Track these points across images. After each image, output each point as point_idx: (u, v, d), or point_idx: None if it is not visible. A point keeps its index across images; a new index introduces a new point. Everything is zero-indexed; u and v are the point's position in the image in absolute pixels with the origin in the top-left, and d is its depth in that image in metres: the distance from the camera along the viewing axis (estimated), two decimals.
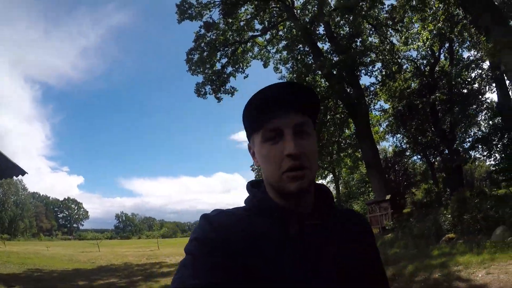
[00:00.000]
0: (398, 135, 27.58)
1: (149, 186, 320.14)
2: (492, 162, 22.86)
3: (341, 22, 21.52)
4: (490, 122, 23.32)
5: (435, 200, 21.40)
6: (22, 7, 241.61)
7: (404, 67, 25.53)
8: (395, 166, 28.86)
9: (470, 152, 23.47)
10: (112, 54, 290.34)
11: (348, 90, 21.76)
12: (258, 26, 25.73)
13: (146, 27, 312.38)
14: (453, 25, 20.88)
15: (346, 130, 25.99)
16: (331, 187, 37.74)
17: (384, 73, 24.19)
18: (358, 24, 18.68)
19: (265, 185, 1.14)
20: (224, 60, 25.54)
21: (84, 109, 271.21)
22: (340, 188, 43.04)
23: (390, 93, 24.97)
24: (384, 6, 20.50)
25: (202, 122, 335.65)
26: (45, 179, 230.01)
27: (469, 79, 23.63)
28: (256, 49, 27.21)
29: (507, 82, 14.20)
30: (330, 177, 41.27)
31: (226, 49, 25.23)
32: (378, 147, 28.44)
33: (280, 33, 26.02)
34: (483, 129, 23.83)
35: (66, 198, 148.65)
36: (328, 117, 24.09)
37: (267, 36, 26.50)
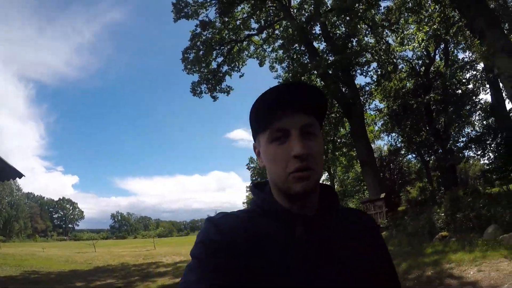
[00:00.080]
0: (393, 134, 27.73)
1: (145, 185, 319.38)
2: (486, 161, 23.09)
3: (337, 22, 21.60)
4: (484, 122, 23.55)
5: (430, 199, 21.53)
6: (15, 5, 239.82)
7: (400, 67, 25.62)
8: (390, 165, 29.04)
9: (464, 152, 23.72)
10: (107, 52, 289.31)
11: (344, 89, 21.84)
12: (254, 25, 25.77)
13: (141, 25, 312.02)
14: (448, 27, 21.04)
15: (341, 129, 26.08)
16: None
17: (379, 73, 24.33)
18: (354, 25, 18.77)
19: (270, 187, 1.15)
20: (220, 59, 25.57)
21: (78, 107, 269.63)
22: (335, 186, 43.21)
23: (385, 93, 25.12)
24: (380, 8, 20.60)
25: (197, 120, 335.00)
26: (40, 179, 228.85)
27: (463, 80, 23.82)
28: (252, 48, 27.30)
29: (501, 84, 14.34)
30: (325, 175, 41.46)
31: (222, 48, 25.24)
32: (373, 145, 28.59)
33: (276, 32, 26.01)
34: (478, 128, 24.05)
35: (61, 198, 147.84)
36: None
37: (263, 35, 26.55)
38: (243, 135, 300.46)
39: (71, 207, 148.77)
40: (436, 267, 9.18)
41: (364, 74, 23.20)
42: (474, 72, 23.31)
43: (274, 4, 23.97)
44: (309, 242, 1.01)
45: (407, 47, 24.01)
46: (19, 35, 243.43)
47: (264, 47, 27.16)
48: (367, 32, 22.83)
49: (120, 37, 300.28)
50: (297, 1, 24.44)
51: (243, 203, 73.22)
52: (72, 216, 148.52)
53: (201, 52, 24.10)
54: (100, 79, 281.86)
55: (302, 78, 21.12)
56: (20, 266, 17.74)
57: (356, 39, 22.70)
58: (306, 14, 23.64)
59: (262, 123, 1.07)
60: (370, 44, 23.54)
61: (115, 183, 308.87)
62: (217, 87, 25.64)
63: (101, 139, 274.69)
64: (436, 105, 23.64)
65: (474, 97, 23.24)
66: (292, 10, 23.79)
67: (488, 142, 21.34)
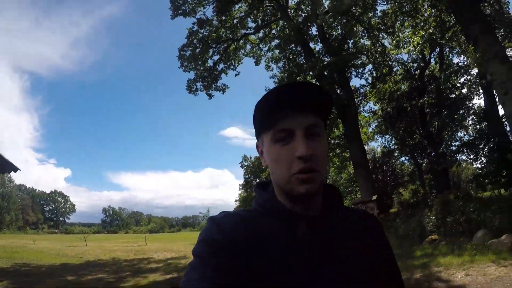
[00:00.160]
0: (387, 136, 27.75)
1: (137, 180, 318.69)
2: (479, 166, 23.26)
3: (334, 23, 21.68)
4: (478, 126, 23.69)
5: (422, 201, 21.66)
6: None
7: (395, 69, 25.71)
8: (383, 167, 29.13)
9: (456, 156, 23.84)
10: (104, 46, 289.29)
11: (338, 91, 21.92)
12: (251, 24, 25.84)
13: (139, 21, 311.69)
14: (444, 31, 21.13)
15: (335, 130, 26.17)
16: None
17: (374, 75, 24.41)
18: (350, 27, 18.84)
19: (273, 186, 1.14)
20: (216, 57, 25.57)
21: (73, 101, 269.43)
22: None
23: (380, 95, 25.20)
24: (377, 11, 20.67)
25: (192, 117, 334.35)
26: (32, 171, 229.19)
27: (458, 85, 23.97)
28: (248, 46, 27.29)
29: (494, 90, 14.49)
30: None
31: (218, 46, 25.26)
32: (366, 147, 28.70)
33: (273, 31, 26.04)
34: (471, 132, 24.20)
35: (53, 191, 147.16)
36: None
37: (260, 34, 26.58)
38: (237, 133, 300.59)
39: (62, 200, 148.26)
40: (424, 270, 9.28)
41: (359, 76, 23.28)
42: (468, 77, 23.46)
43: (272, 4, 24.01)
44: (311, 242, 1.01)
45: (402, 50, 24.11)
46: (15, 26, 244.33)
47: (261, 46, 27.17)
48: (363, 34, 22.89)
49: (117, 31, 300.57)
50: (294, 1, 24.52)
51: (236, 200, 73.18)
52: (63, 209, 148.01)
53: (197, 50, 24.13)
54: (96, 73, 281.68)
55: (298, 78, 21.13)
56: (11, 258, 17.68)
57: (352, 40, 22.77)
58: (303, 15, 23.69)
59: (266, 122, 1.07)
60: (366, 47, 23.61)
61: (108, 177, 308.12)
62: (213, 85, 25.64)
63: (95, 133, 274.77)
64: (430, 109, 23.73)
65: (467, 102, 23.38)
66: (289, 10, 23.82)
67: (481, 146, 21.49)
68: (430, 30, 20.92)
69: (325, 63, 19.56)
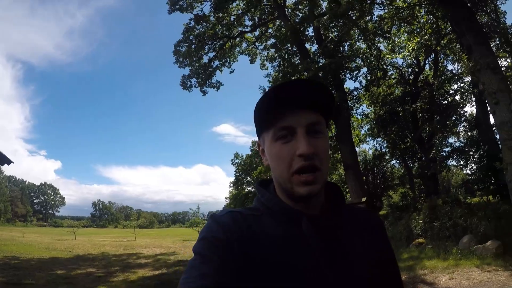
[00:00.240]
0: (379, 139, 27.85)
1: (128, 174, 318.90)
2: (468, 172, 23.49)
3: (331, 25, 21.77)
4: (469, 133, 23.91)
5: (411, 205, 21.85)
6: None
7: (389, 73, 25.83)
8: (374, 169, 29.29)
9: (446, 161, 24.08)
10: (98, 37, 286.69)
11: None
12: (248, 22, 25.82)
13: (135, 13, 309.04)
14: (439, 38, 21.33)
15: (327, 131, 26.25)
16: None
17: (369, 78, 24.51)
18: (347, 30, 18.94)
19: (274, 185, 1.14)
20: (211, 54, 25.50)
21: (65, 92, 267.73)
22: None
23: (373, 98, 25.33)
24: (373, 16, 20.80)
25: (184, 112, 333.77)
26: (22, 163, 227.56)
27: (451, 92, 24.20)
28: (244, 44, 27.24)
29: (486, 99, 14.69)
30: None
31: (214, 42, 25.19)
32: (358, 149, 28.82)
33: (270, 30, 26.04)
34: (462, 139, 24.41)
35: (43, 183, 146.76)
36: None
37: (256, 33, 26.53)
38: (229, 130, 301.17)
39: (52, 193, 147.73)
40: (410, 272, 9.45)
41: (353, 79, 23.39)
42: (462, 85, 23.67)
43: (269, 3, 23.96)
44: (314, 241, 1.00)
45: (397, 55, 24.29)
46: (9, 14, 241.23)
47: (257, 44, 27.12)
48: (360, 37, 23.00)
49: (112, 23, 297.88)
50: (292, 1, 24.53)
51: (226, 198, 73.03)
52: (53, 202, 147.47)
53: (193, 46, 24.06)
54: (90, 64, 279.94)
55: (292, 78, 21.11)
56: (0, 251, 17.67)
57: (348, 43, 22.86)
58: (300, 15, 23.75)
59: (267, 121, 1.06)
60: (362, 50, 23.70)
61: (98, 170, 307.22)
62: (207, 82, 25.56)
63: (87, 125, 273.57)
64: (422, 114, 23.90)
65: (459, 109, 23.60)
66: (286, 10, 23.85)
67: (471, 153, 21.71)
68: (426, 37, 21.11)
69: (320, 64, 19.61)
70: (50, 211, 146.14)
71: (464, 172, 26.23)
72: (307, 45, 23.53)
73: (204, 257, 0.92)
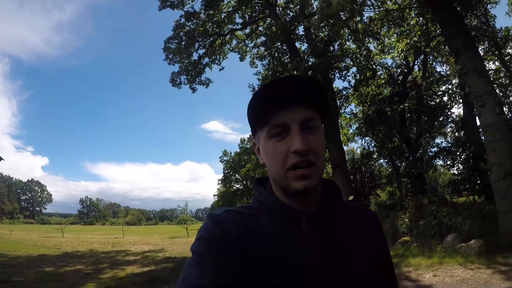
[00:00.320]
0: (367, 138, 27.97)
1: (116, 171, 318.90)
2: (455, 172, 23.75)
3: (321, 25, 21.85)
4: (457, 134, 24.15)
5: (398, 203, 22.02)
6: None
7: (379, 73, 26.01)
8: (362, 168, 29.48)
9: (433, 161, 24.33)
10: (87, 32, 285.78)
11: None
12: (238, 20, 25.83)
13: (124, 9, 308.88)
14: (429, 40, 21.51)
15: None
16: None
17: (358, 77, 24.64)
18: (337, 30, 19.03)
19: (270, 183, 1.13)
20: (201, 51, 25.50)
21: (53, 87, 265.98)
22: None
23: (362, 98, 25.50)
24: (363, 17, 20.91)
25: (173, 108, 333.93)
26: (9, 159, 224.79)
27: (439, 93, 24.42)
28: (234, 42, 27.27)
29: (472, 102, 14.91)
30: None
31: (204, 40, 25.18)
32: (346, 147, 28.95)
33: (260, 28, 26.06)
34: (449, 140, 24.64)
35: (30, 179, 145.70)
36: None
37: (247, 31, 26.55)
38: (218, 127, 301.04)
39: (39, 190, 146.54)
40: (395, 270, 9.64)
41: (342, 78, 23.47)
42: (450, 86, 23.90)
43: (260, 1, 23.97)
44: (312, 239, 1.00)
45: (387, 55, 24.48)
46: None
47: (247, 42, 27.13)
48: (350, 37, 23.11)
49: (102, 18, 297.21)
50: (283, 0, 24.63)
51: (214, 195, 73.10)
52: (40, 199, 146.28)
53: (183, 43, 24.00)
54: (78, 59, 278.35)
55: (283, 76, 21.07)
56: None
57: (338, 42, 22.93)
58: (291, 14, 23.85)
59: (261, 118, 1.05)
60: (351, 50, 23.80)
61: (86, 167, 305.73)
62: (197, 79, 25.51)
63: (75, 121, 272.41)
64: (410, 114, 24.11)
65: (447, 110, 23.83)
66: (277, 8, 23.89)
67: (458, 154, 21.96)
68: (415, 38, 21.32)
69: (309, 63, 19.70)
70: (37, 208, 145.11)
71: (451, 172, 26.45)
72: (297, 44, 23.62)
73: (202, 256, 0.92)
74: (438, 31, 20.64)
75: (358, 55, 23.90)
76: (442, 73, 24.33)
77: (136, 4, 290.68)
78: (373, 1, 19.89)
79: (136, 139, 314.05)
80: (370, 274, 1.03)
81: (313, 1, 22.42)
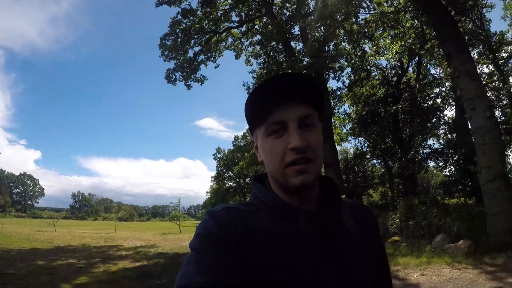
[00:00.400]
0: (360, 138, 28.18)
1: (108, 166, 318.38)
2: (447, 173, 23.93)
3: (317, 25, 21.89)
4: (449, 135, 24.32)
5: (390, 204, 22.15)
6: None
7: (373, 74, 26.18)
8: (354, 168, 29.65)
9: (424, 163, 24.49)
10: (83, 26, 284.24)
11: None
12: (235, 18, 25.77)
13: (121, 4, 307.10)
14: (423, 43, 21.63)
15: None
16: None
17: (352, 78, 24.79)
18: (333, 31, 19.09)
19: (269, 180, 1.13)
20: (197, 48, 25.45)
21: (48, 80, 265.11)
22: None
23: (355, 98, 25.65)
24: (359, 19, 20.97)
25: (167, 105, 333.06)
26: (1, 152, 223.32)
27: (432, 95, 24.60)
28: (230, 39, 27.20)
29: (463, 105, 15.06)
30: None
31: (200, 37, 25.12)
32: (340, 147, 29.07)
33: (256, 27, 26.02)
34: (442, 141, 24.81)
35: (22, 173, 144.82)
36: None
37: (243, 29, 26.51)
38: (212, 124, 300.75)
39: (31, 184, 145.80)
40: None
41: (336, 78, 23.55)
42: (443, 89, 24.07)
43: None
44: (311, 237, 1.00)
45: (382, 57, 24.60)
46: None
47: (242, 40, 27.11)
48: (345, 37, 23.18)
49: (98, 12, 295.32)
50: None
51: (207, 192, 73.15)
52: (32, 193, 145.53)
53: (179, 40, 23.95)
54: (73, 53, 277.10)
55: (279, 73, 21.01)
56: None
57: (333, 43, 22.96)
58: (288, 13, 23.90)
59: (259, 116, 1.05)
60: (346, 50, 23.87)
61: (78, 161, 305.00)
62: (192, 76, 25.44)
63: (68, 115, 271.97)
64: (404, 115, 24.28)
65: (439, 112, 24.02)
66: (274, 7, 23.91)
67: (450, 155, 22.12)
68: (410, 41, 21.44)
69: (304, 63, 19.75)
70: (29, 202, 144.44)
71: (443, 174, 26.66)
72: (293, 43, 23.66)
73: (201, 254, 0.92)
74: (432, 34, 20.77)
75: (353, 56, 23.99)
76: (436, 75, 24.52)
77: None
78: (368, 3, 20.01)
79: (129, 135, 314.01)
80: (368, 273, 1.04)
81: (309, 1, 22.50)
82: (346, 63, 23.85)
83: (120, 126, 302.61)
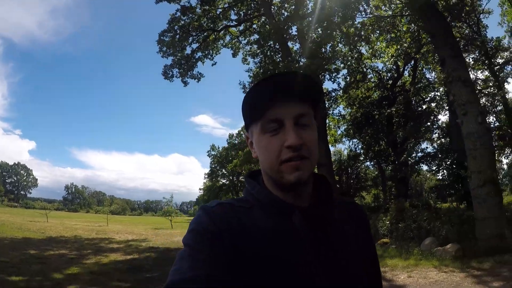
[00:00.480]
0: (355, 140, 28.23)
1: (102, 159, 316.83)
2: (440, 177, 24.05)
3: (314, 26, 21.92)
4: (443, 140, 24.47)
5: (382, 206, 22.24)
6: None
7: (369, 76, 26.25)
8: (348, 169, 29.74)
9: (416, 166, 24.63)
10: (82, 18, 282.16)
11: None
12: (233, 17, 25.71)
13: None
14: (420, 47, 21.73)
15: None
16: None
17: (348, 80, 24.85)
18: (330, 32, 19.13)
19: (263, 177, 1.14)
20: (195, 45, 25.36)
21: (45, 71, 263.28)
22: None
23: (350, 100, 25.73)
24: (355, 21, 21.01)
25: (163, 100, 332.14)
26: None
27: (427, 99, 24.73)
28: (228, 38, 27.11)
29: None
30: None
31: (198, 34, 25.05)
32: (334, 148, 29.13)
33: (254, 26, 25.96)
34: (435, 145, 24.94)
35: (16, 163, 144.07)
36: None
37: (241, 27, 26.45)
38: (207, 121, 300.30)
39: (25, 174, 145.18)
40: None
41: (332, 80, 23.65)
42: (437, 93, 24.22)
43: None
44: (305, 233, 1.00)
45: (378, 59, 24.68)
46: None
47: (240, 39, 26.99)
48: (342, 39, 23.24)
49: (98, 5, 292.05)
50: None
51: (200, 189, 73.09)
52: (25, 183, 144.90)
53: (177, 36, 23.95)
54: (71, 45, 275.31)
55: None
56: None
57: (330, 44, 22.99)
58: (286, 14, 23.93)
59: (256, 113, 1.05)
60: (343, 52, 23.94)
61: (73, 153, 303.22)
62: (189, 73, 25.37)
63: (64, 106, 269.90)
64: (398, 118, 24.39)
65: (432, 117, 24.19)
66: (273, 7, 23.94)
67: (445, 159, 22.24)
68: (406, 45, 21.53)
69: (301, 64, 19.80)
70: (22, 192, 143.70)
71: (436, 177, 26.83)
72: (290, 44, 23.68)
73: (194, 249, 0.91)
74: (428, 39, 20.88)
75: (350, 58, 24.07)
76: (431, 79, 24.66)
77: None
78: (365, 7, 20.08)
79: (124, 128, 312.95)
80: (364, 271, 1.05)
81: (308, 2, 22.54)
82: (342, 65, 23.91)
83: (115, 120, 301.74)
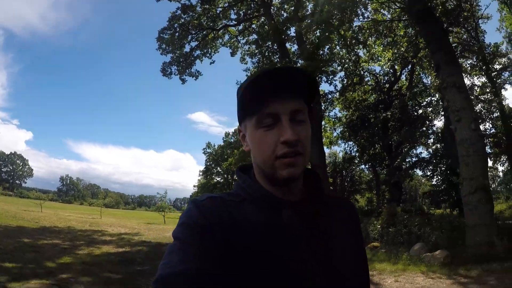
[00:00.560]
0: (350, 143, 28.26)
1: (98, 152, 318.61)
2: (434, 183, 24.12)
3: (312, 28, 22.00)
4: (438, 145, 24.55)
5: (375, 210, 22.28)
6: None
7: (366, 79, 26.29)
8: (342, 172, 29.80)
9: (410, 171, 24.70)
10: (84, 12, 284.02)
11: None
12: (233, 16, 25.67)
13: None
14: (417, 51, 21.73)
15: None
16: None
17: (345, 82, 24.94)
18: (326, 36, 19.21)
19: (254, 171, 1.13)
20: (194, 44, 25.42)
21: (44, 63, 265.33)
22: None
23: (346, 103, 25.81)
24: (353, 25, 21.09)
25: (160, 96, 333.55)
26: None
27: (423, 104, 24.82)
28: (226, 37, 27.14)
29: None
30: None
31: (198, 33, 25.10)
32: (329, 150, 29.18)
33: (253, 26, 26.01)
34: (430, 150, 25.03)
35: (13, 152, 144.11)
36: None
37: (240, 27, 26.47)
38: (204, 119, 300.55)
39: (21, 163, 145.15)
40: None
41: (329, 82, 23.69)
42: (433, 99, 24.29)
43: None
44: (296, 228, 1.00)
45: (375, 63, 24.76)
46: None
47: (239, 38, 27.02)
48: (339, 42, 23.32)
49: (99, 0, 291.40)
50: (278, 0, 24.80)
51: (194, 186, 72.97)
52: (20, 173, 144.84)
53: (177, 34, 24.02)
54: (72, 38, 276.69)
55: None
56: None
57: (328, 46, 23.06)
58: (285, 15, 24.02)
59: (251, 107, 1.04)
60: (340, 55, 24.02)
61: (69, 145, 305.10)
62: (187, 70, 25.46)
63: (62, 99, 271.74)
64: (394, 122, 24.42)
65: (427, 122, 24.29)
66: (272, 8, 23.99)
67: (439, 165, 22.33)
68: (403, 49, 21.60)
69: (298, 65, 19.85)
70: (17, 182, 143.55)
71: (431, 183, 26.92)
72: (288, 45, 23.77)
73: (184, 243, 0.91)
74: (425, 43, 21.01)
75: (347, 60, 24.15)
76: (428, 84, 24.70)
77: None
78: (363, 11, 20.20)
79: (121, 123, 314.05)
80: (351, 265, 1.06)
81: (307, 3, 22.63)
82: (339, 68, 24.03)
83: (113, 114, 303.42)
